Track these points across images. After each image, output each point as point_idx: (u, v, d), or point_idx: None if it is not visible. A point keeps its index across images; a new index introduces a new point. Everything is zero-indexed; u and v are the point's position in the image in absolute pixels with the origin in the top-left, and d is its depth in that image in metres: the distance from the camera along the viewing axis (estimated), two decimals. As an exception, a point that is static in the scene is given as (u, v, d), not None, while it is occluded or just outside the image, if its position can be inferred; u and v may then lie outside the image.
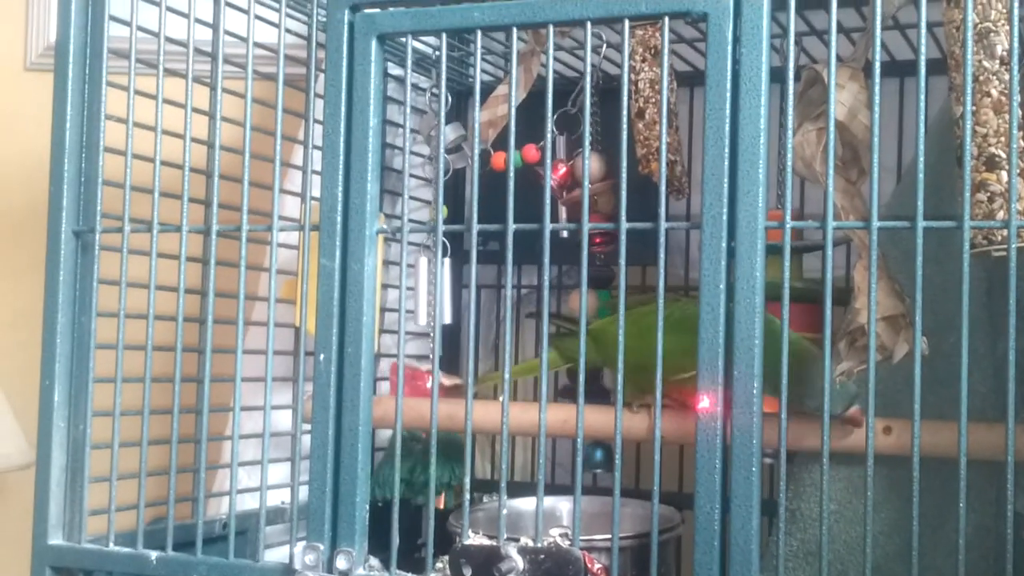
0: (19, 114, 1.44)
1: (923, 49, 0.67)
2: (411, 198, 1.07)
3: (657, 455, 0.72)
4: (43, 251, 0.92)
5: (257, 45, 0.88)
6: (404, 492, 1.01)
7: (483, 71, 1.14)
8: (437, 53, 1.14)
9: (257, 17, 0.88)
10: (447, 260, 1.05)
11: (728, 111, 0.70)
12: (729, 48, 0.70)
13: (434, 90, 1.14)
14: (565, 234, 0.79)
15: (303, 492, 1.04)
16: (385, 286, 1.14)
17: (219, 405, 0.98)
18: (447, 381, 0.96)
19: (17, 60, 1.48)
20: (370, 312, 0.80)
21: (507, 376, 0.77)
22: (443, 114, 0.82)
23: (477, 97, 0.79)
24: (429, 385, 1.02)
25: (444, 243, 1.05)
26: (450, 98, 1.10)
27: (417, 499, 1.02)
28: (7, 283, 1.43)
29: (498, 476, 1.19)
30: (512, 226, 0.76)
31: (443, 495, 1.08)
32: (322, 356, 0.79)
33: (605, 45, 1.04)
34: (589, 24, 0.74)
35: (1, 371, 1.27)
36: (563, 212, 1.07)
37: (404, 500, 0.80)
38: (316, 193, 0.82)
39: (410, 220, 0.85)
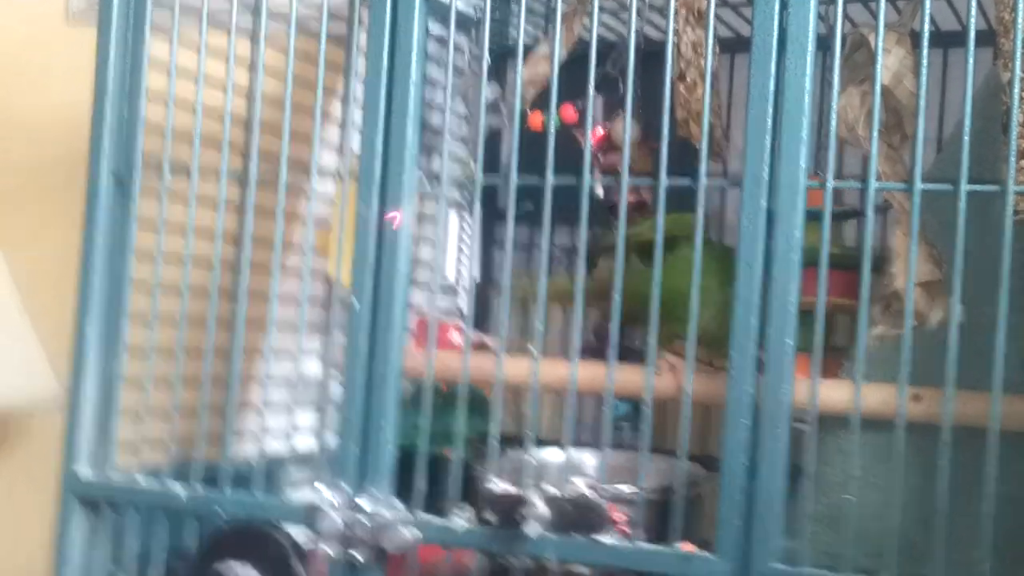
0: (60, 66, 1.45)
1: (972, 13, 0.67)
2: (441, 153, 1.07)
3: (687, 411, 0.72)
4: (79, 201, 0.93)
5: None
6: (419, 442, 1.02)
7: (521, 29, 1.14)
8: (479, 15, 1.14)
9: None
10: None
11: (773, 71, 0.70)
12: (776, 8, 0.70)
13: (474, 50, 1.14)
14: (601, 193, 0.79)
15: (323, 437, 1.06)
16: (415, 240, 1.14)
17: (249, 349, 0.99)
18: (491, 343, 0.97)
19: (58, 13, 1.48)
20: (406, 262, 0.80)
21: (540, 328, 0.77)
22: (485, 75, 0.82)
23: (520, 57, 0.79)
24: (453, 338, 1.03)
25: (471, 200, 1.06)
26: (488, 58, 1.10)
27: (432, 450, 1.02)
28: (44, 232, 1.44)
29: (520, 431, 1.20)
30: (551, 180, 0.76)
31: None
32: (356, 304, 0.80)
33: (647, 7, 1.04)
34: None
35: (38, 313, 1.28)
36: (598, 174, 1.07)
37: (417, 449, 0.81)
38: (352, 145, 0.82)
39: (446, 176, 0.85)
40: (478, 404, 1.01)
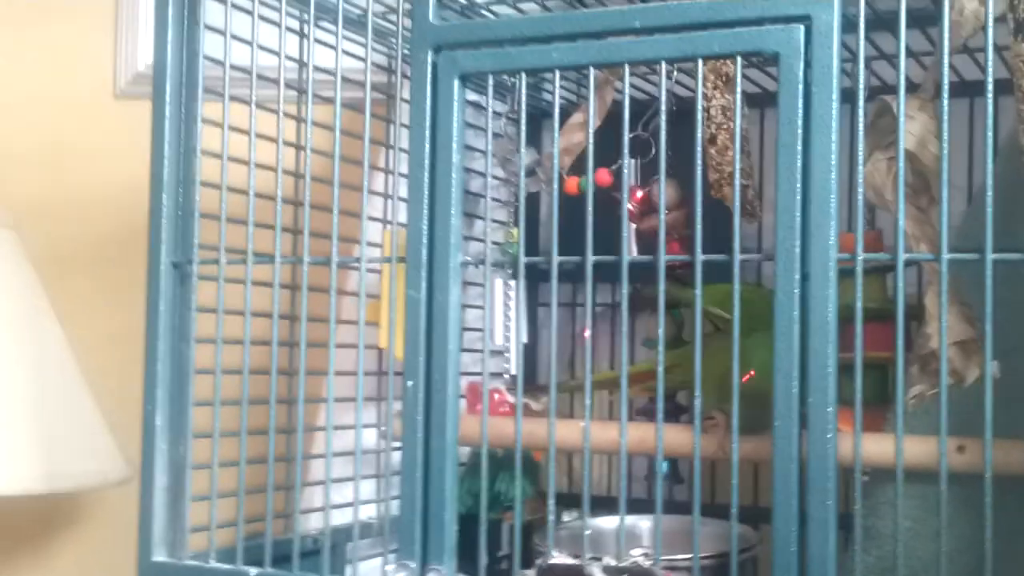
0: (111, 143, 1.50)
1: (990, 79, 0.69)
2: (481, 218, 1.10)
3: (735, 474, 0.75)
4: (133, 276, 0.96)
5: (344, 80, 0.92)
6: (473, 508, 1.05)
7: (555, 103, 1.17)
8: (512, 80, 1.17)
9: (344, 52, 0.92)
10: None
11: (799, 148, 0.72)
12: (800, 87, 0.72)
13: (510, 115, 1.17)
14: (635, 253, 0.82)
15: (386, 508, 1.09)
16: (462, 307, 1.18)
17: (307, 425, 1.03)
18: (535, 406, 1.00)
19: (107, 88, 1.54)
20: (455, 340, 0.83)
21: (589, 392, 0.80)
22: (523, 144, 0.85)
23: (556, 130, 0.82)
24: (502, 402, 1.07)
25: (515, 264, 1.09)
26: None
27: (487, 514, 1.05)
28: (100, 307, 1.49)
29: (574, 489, 1.23)
30: (591, 258, 0.79)
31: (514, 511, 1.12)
32: (410, 383, 0.83)
33: (676, 71, 1.07)
34: (664, 64, 0.77)
35: (98, 389, 1.32)
36: (633, 235, 1.10)
37: (472, 515, 0.84)
38: (398, 218, 0.86)
39: (486, 243, 0.88)
40: (528, 467, 1.05)
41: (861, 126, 0.72)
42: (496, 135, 1.16)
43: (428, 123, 0.83)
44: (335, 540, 0.95)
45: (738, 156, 0.77)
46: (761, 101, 1.13)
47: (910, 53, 0.90)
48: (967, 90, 1.01)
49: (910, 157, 0.78)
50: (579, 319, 1.26)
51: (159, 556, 0.90)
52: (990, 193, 0.68)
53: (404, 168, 0.85)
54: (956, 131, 1.00)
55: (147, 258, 0.94)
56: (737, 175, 0.78)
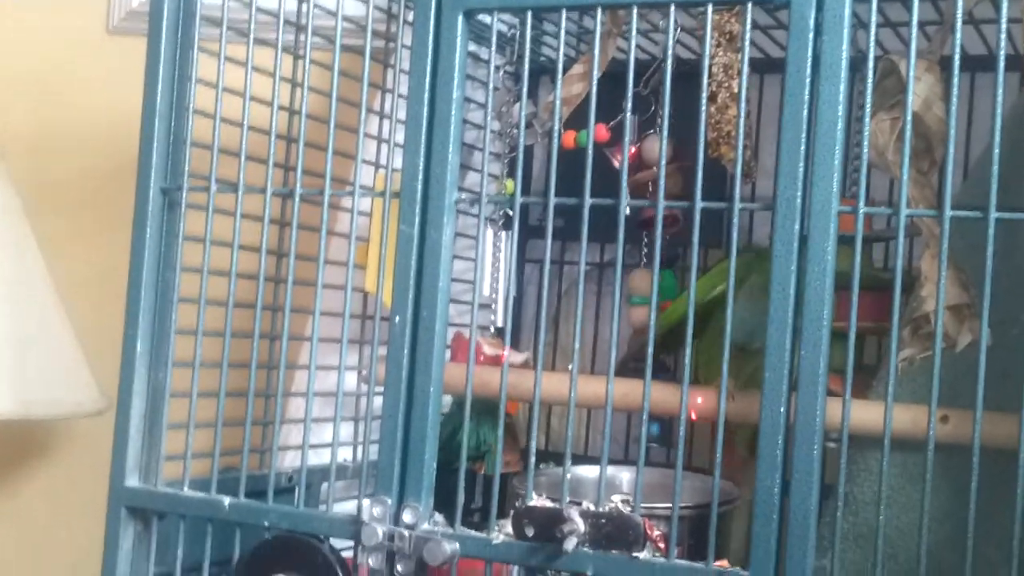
0: (102, 77, 1.48)
1: (1003, 42, 0.68)
2: (476, 170, 1.09)
3: (721, 430, 0.74)
4: (122, 211, 0.95)
5: (344, 19, 0.90)
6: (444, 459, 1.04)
7: (554, 51, 1.17)
8: (512, 31, 1.16)
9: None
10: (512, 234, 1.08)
11: (807, 97, 0.71)
12: (810, 35, 0.72)
13: (507, 68, 1.16)
14: (627, 211, 0.81)
15: (365, 451, 1.09)
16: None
17: (288, 363, 1.02)
18: (517, 359, 0.99)
19: (100, 24, 1.52)
20: (446, 279, 0.82)
21: (576, 347, 0.79)
22: (525, 92, 0.85)
23: (559, 75, 0.81)
24: (486, 353, 1.06)
25: (509, 215, 1.08)
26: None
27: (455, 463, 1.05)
28: (87, 241, 1.47)
29: (550, 448, 1.22)
30: (588, 200, 0.78)
31: (484, 461, 1.11)
32: (397, 319, 0.82)
33: (679, 29, 1.06)
34: (673, 7, 0.76)
35: (81, 322, 1.31)
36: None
37: (443, 466, 0.83)
38: (392, 163, 0.85)
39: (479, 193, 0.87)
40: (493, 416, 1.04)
41: (869, 85, 0.72)
42: (494, 88, 1.15)
43: (430, 58, 0.82)
44: (310, 480, 0.94)
45: (743, 102, 0.75)
46: (762, 67, 1.12)
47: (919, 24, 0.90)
48: (969, 64, 1.00)
49: (915, 119, 0.77)
50: (565, 277, 1.26)
51: (132, 481, 0.89)
52: (997, 151, 0.67)
53: (402, 115, 0.84)
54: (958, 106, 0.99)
55: (136, 182, 0.92)
56: (741, 130, 0.77)
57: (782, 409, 0.72)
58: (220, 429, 0.88)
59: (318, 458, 1.00)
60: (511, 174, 1.13)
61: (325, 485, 0.96)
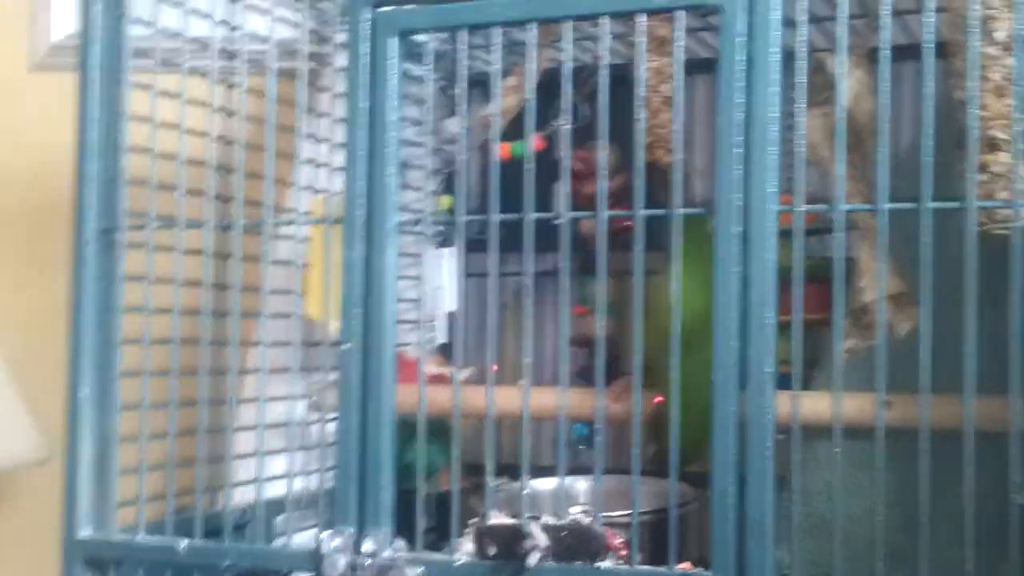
0: (25, 115, 1.46)
1: (932, 34, 0.70)
2: (412, 188, 1.09)
3: (675, 431, 0.75)
4: (52, 252, 0.93)
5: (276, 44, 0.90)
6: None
7: (484, 64, 1.16)
8: (443, 47, 1.16)
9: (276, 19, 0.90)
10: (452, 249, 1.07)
11: (741, 100, 0.72)
12: (742, 40, 0.72)
13: (440, 83, 1.16)
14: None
15: (320, 480, 1.07)
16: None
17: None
18: (435, 369, 0.99)
19: (21, 62, 1.49)
20: (392, 302, 0.82)
21: (528, 360, 0.79)
22: (466, 108, 0.85)
23: (497, 89, 0.81)
24: (428, 372, 1.05)
25: (444, 232, 1.08)
26: (451, 91, 1.12)
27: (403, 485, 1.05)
28: (19, 284, 1.44)
29: (501, 460, 1.21)
30: (532, 215, 0.78)
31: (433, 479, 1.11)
32: (347, 345, 0.82)
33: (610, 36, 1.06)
34: (607, 19, 0.76)
35: (17, 368, 1.28)
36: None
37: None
38: (322, 186, 0.83)
39: (418, 211, 0.87)
40: (442, 436, 1.04)
41: (803, 79, 0.73)
42: (423, 102, 1.14)
43: (367, 81, 0.82)
44: (269, 514, 0.92)
45: (680, 108, 0.76)
46: (691, 67, 1.13)
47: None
48: (894, 54, 1.02)
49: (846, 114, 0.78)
50: (506, 289, 1.25)
51: (86, 532, 0.88)
52: (930, 142, 0.69)
53: (339, 138, 0.84)
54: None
55: (73, 226, 0.91)
56: (679, 135, 0.77)
57: (732, 409, 0.73)
58: (173, 470, 0.87)
59: (274, 491, 0.99)
60: (447, 190, 1.13)
61: (279, 518, 0.95)
